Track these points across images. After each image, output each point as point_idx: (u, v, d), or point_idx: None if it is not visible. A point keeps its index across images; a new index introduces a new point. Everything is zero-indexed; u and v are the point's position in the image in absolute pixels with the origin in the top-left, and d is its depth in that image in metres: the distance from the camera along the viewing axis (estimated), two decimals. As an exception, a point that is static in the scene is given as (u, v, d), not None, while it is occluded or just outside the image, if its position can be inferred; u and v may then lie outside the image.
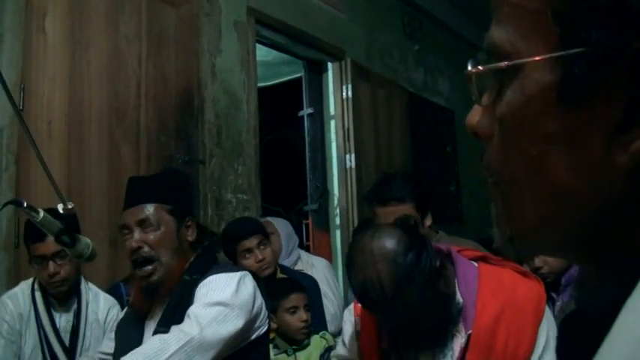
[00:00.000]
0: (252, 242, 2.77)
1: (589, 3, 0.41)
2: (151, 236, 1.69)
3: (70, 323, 2.33)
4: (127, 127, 3.25)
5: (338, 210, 4.83)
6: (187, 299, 1.60)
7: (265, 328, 1.71)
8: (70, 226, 1.39)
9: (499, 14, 0.48)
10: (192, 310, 1.54)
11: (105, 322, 2.38)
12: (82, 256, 1.47)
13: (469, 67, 0.50)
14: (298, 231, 4.76)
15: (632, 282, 0.40)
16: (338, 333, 3.09)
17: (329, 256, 4.57)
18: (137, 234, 1.69)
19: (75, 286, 2.35)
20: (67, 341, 2.28)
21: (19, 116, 1.23)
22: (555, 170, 0.45)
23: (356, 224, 4.63)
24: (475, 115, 0.53)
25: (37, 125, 2.94)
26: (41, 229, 2.15)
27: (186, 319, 1.52)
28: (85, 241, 1.47)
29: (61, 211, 1.39)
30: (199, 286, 1.64)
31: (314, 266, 3.42)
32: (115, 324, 2.23)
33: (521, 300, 1.47)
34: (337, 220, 4.84)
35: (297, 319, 2.53)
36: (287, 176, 5.68)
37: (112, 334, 1.94)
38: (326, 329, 2.79)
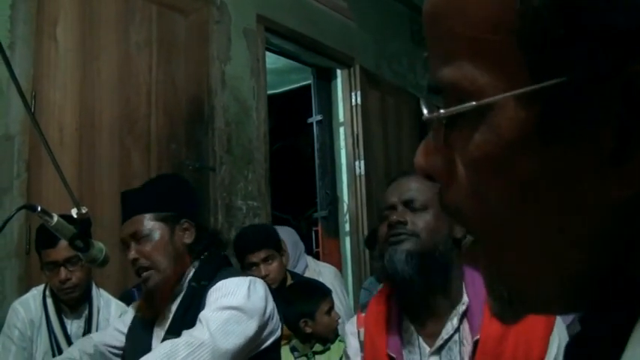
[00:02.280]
0: (258, 256, 2.74)
1: (566, 26, 0.36)
2: (145, 247, 1.72)
3: (82, 329, 2.33)
4: (137, 134, 3.26)
5: (347, 217, 4.83)
6: (197, 305, 1.60)
7: (277, 335, 1.70)
8: (83, 230, 1.40)
9: (446, 51, 0.43)
10: (203, 315, 1.54)
11: (116, 329, 2.37)
12: (96, 260, 1.48)
13: (425, 114, 0.44)
14: (308, 238, 4.77)
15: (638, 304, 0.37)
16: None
17: (338, 263, 4.56)
18: (133, 247, 1.73)
19: (86, 292, 2.35)
20: (77, 347, 2.28)
21: (34, 121, 1.23)
22: (543, 214, 0.40)
23: (366, 231, 4.63)
24: (424, 155, 0.48)
25: (49, 132, 2.95)
26: (55, 234, 2.19)
27: (197, 324, 1.52)
28: (99, 245, 1.48)
29: (75, 216, 1.40)
30: (210, 291, 1.64)
31: (322, 274, 3.40)
32: (110, 325, 2.24)
33: None
34: (347, 227, 4.83)
35: (334, 318, 2.61)
36: (296, 183, 5.69)
37: (120, 326, 1.94)
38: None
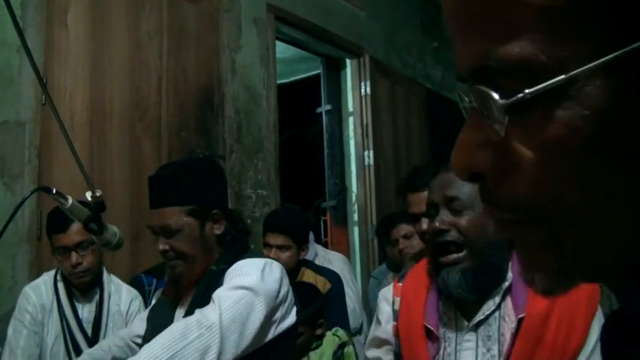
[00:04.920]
0: (275, 239, 2.76)
1: None
2: (175, 242, 1.70)
3: (93, 314, 2.33)
4: (148, 122, 3.27)
5: (356, 206, 4.83)
6: (214, 288, 1.60)
7: (291, 320, 1.69)
8: (98, 213, 1.40)
9: (505, 26, 0.39)
10: (216, 294, 1.54)
11: (127, 314, 2.39)
12: (110, 244, 1.48)
13: (497, 99, 0.40)
14: (316, 228, 4.77)
15: None
16: (358, 328, 3.09)
17: (347, 253, 4.57)
18: (162, 239, 1.71)
19: (97, 277, 2.36)
20: (89, 332, 2.30)
21: (52, 106, 1.23)
22: (627, 184, 0.39)
23: (374, 221, 4.63)
24: (469, 152, 0.44)
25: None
26: (67, 218, 2.20)
27: (210, 303, 1.52)
28: (113, 229, 1.48)
29: (90, 199, 1.40)
30: (227, 272, 1.64)
31: (331, 262, 3.41)
32: (137, 316, 2.25)
33: (575, 293, 1.41)
34: (355, 217, 4.84)
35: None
36: (304, 173, 5.68)
37: (145, 315, 1.95)
38: (348, 324, 2.78)
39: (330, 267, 3.27)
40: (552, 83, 0.38)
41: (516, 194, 0.42)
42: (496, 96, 0.40)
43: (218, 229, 1.77)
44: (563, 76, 0.37)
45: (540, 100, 0.39)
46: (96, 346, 2.03)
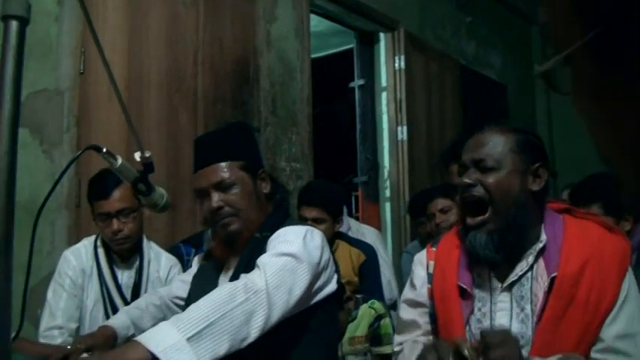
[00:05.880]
0: (310, 213, 2.76)
1: None
2: (231, 196, 1.69)
3: (132, 280, 2.35)
4: (184, 93, 3.27)
5: (388, 182, 4.81)
6: (258, 255, 1.60)
7: (332, 287, 1.69)
8: (146, 174, 1.40)
9: None
10: (260, 260, 1.54)
11: (166, 280, 2.40)
12: (157, 205, 1.48)
13: None
14: (347, 203, 4.76)
15: None
16: (394, 300, 3.08)
17: (378, 228, 4.54)
18: (216, 195, 1.69)
19: (138, 244, 2.37)
20: (128, 297, 2.32)
21: (107, 70, 1.22)
22: None
23: (407, 197, 4.60)
24: None
25: (97, 89, 2.98)
26: (111, 183, 2.22)
27: (255, 269, 1.52)
28: (160, 191, 1.48)
29: (138, 159, 1.40)
30: (270, 239, 1.64)
31: (364, 236, 3.41)
32: (175, 278, 2.26)
33: (607, 253, 1.45)
34: (387, 193, 4.82)
35: (348, 308, 2.52)
36: (334, 149, 5.66)
37: (186, 277, 1.96)
38: (383, 296, 2.78)
39: (363, 240, 3.27)
40: None
41: None
42: None
43: (266, 188, 1.77)
44: None
45: None
46: (133, 304, 2.06)
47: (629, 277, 1.44)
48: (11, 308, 0.84)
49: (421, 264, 1.68)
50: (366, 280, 2.82)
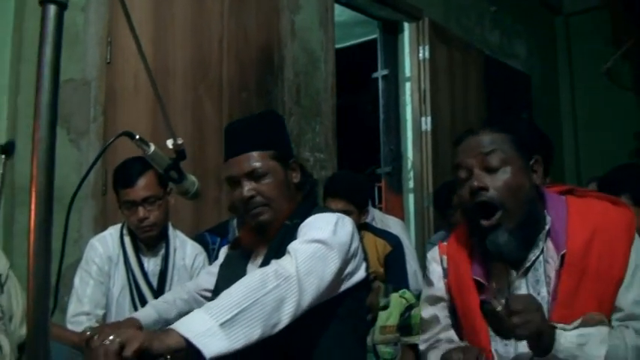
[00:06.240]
0: (336, 204, 2.74)
1: None
2: (262, 186, 1.68)
3: (158, 267, 2.36)
4: (210, 82, 3.28)
5: (412, 173, 4.78)
6: (289, 242, 1.59)
7: (362, 275, 1.69)
8: (178, 161, 1.40)
9: None
10: (291, 246, 1.54)
11: (192, 268, 2.41)
12: (188, 192, 1.49)
13: None
14: (371, 194, 4.75)
15: None
16: (418, 292, 3.07)
17: (401, 220, 4.53)
18: (247, 185, 1.68)
19: (163, 232, 2.38)
20: (155, 284, 2.33)
21: (141, 54, 1.22)
22: None
23: (431, 188, 4.58)
24: None
25: (124, 78, 2.99)
26: (136, 172, 2.23)
27: (286, 255, 1.52)
28: (191, 178, 1.49)
29: (170, 147, 1.40)
30: (300, 226, 1.64)
31: (389, 227, 3.39)
32: (203, 270, 2.27)
33: (612, 223, 1.47)
34: (410, 184, 4.79)
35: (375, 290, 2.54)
36: (357, 139, 5.65)
37: (213, 269, 1.96)
38: (409, 287, 2.77)
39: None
40: None
41: None
42: None
43: (296, 178, 1.77)
44: None
45: None
46: (160, 298, 2.06)
47: (638, 245, 1.46)
48: (51, 291, 0.85)
49: (435, 260, 1.69)
50: (392, 271, 2.81)
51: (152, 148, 1.36)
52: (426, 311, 1.70)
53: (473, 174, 1.50)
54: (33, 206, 0.84)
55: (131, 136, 1.33)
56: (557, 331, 1.32)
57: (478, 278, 1.54)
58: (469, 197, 1.50)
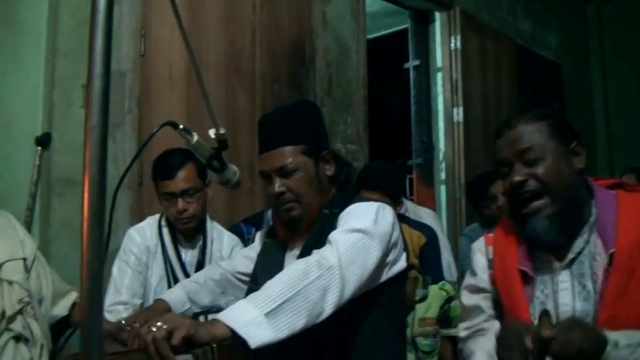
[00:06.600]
0: (371, 196, 2.72)
1: None
2: (292, 182, 1.67)
3: (196, 258, 2.38)
4: (242, 74, 3.28)
5: (443, 165, 4.74)
6: (328, 231, 1.59)
7: (402, 265, 1.68)
8: (220, 151, 1.40)
9: None
10: (332, 236, 1.53)
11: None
12: (229, 182, 1.49)
13: None
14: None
15: None
16: (455, 283, 3.05)
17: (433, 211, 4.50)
18: (278, 180, 1.68)
19: (201, 223, 2.39)
20: (192, 275, 2.34)
21: (185, 40, 1.22)
22: None
23: (463, 179, 4.54)
24: None
25: (158, 70, 3.01)
26: (176, 164, 2.24)
27: (327, 244, 1.51)
28: (233, 168, 1.49)
29: (213, 136, 1.40)
30: (340, 216, 1.63)
31: (421, 218, 3.37)
32: (237, 253, 2.26)
33: None
34: (442, 175, 4.75)
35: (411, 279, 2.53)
36: (387, 131, 5.62)
37: (248, 253, 1.97)
38: (443, 278, 2.74)
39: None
40: None
41: None
42: None
43: (329, 170, 1.75)
44: None
45: None
46: (192, 277, 2.06)
47: None
48: (103, 279, 0.85)
49: (480, 251, 1.67)
50: (427, 262, 2.79)
51: (195, 137, 1.36)
52: (468, 299, 1.68)
53: (513, 168, 1.50)
54: (86, 195, 0.84)
55: (175, 125, 1.33)
56: (608, 349, 1.28)
57: (524, 269, 1.52)
58: (511, 191, 1.50)
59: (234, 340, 1.24)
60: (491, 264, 1.62)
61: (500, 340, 1.36)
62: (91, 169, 0.85)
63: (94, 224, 0.84)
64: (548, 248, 1.51)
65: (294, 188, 1.67)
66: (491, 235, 1.66)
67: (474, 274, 1.67)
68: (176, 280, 2.33)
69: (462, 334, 1.68)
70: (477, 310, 1.65)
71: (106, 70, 0.88)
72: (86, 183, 0.85)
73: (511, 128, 1.52)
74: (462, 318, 1.72)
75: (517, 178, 1.47)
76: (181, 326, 1.20)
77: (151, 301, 2.32)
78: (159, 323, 1.20)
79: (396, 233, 1.65)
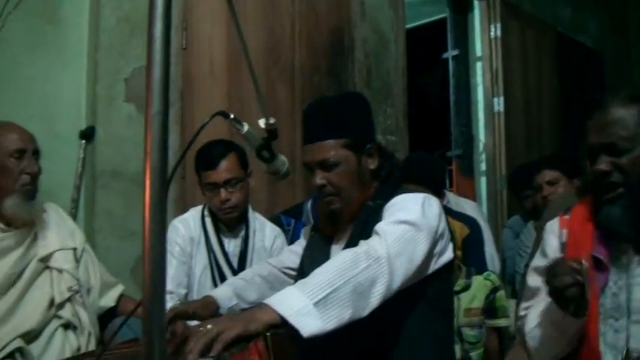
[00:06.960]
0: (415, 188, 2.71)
1: None
2: (333, 176, 1.68)
3: (239, 249, 2.40)
4: (282, 66, 3.29)
5: (484, 156, 4.68)
6: (373, 223, 1.58)
7: (449, 256, 1.67)
8: (270, 141, 1.40)
9: None
10: (379, 227, 1.52)
11: (271, 250, 2.44)
12: (279, 172, 1.49)
13: None
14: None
15: None
16: (497, 274, 3.01)
17: (473, 203, 4.45)
18: (319, 173, 1.68)
19: (244, 214, 2.41)
20: (235, 264, 2.37)
21: (239, 33, 1.22)
22: None
23: (504, 170, 4.48)
24: None
25: (200, 63, 3.03)
26: (218, 155, 2.26)
27: (374, 235, 1.50)
28: (282, 158, 1.49)
29: (263, 126, 1.40)
30: (386, 207, 1.62)
31: (464, 209, 3.33)
32: (284, 249, 2.27)
33: None
34: (483, 167, 4.69)
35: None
36: (425, 121, 5.56)
37: (296, 248, 1.98)
38: (487, 268, 2.71)
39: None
40: None
41: None
42: None
43: (372, 164, 1.74)
44: None
45: None
46: (240, 275, 2.06)
47: None
48: (166, 266, 0.85)
49: (553, 233, 1.63)
50: (470, 254, 2.76)
51: (246, 127, 1.36)
52: (533, 280, 1.64)
53: (598, 157, 1.47)
54: (147, 182, 0.84)
55: (226, 115, 1.33)
56: None
57: (599, 256, 1.48)
58: (594, 180, 1.49)
59: (286, 329, 1.23)
60: (563, 247, 1.58)
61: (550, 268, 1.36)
62: (152, 157, 0.85)
63: (156, 211, 0.84)
64: (622, 238, 1.47)
65: (335, 182, 1.67)
66: (566, 217, 1.62)
67: (544, 254, 1.63)
68: (219, 270, 2.36)
69: (521, 313, 1.65)
70: (539, 292, 1.60)
71: (165, 57, 0.88)
72: (147, 171, 0.84)
73: (604, 110, 1.49)
74: (524, 297, 1.69)
75: (600, 168, 1.46)
76: (232, 328, 1.19)
77: (195, 291, 2.36)
78: (209, 326, 1.20)
79: (443, 224, 1.64)
